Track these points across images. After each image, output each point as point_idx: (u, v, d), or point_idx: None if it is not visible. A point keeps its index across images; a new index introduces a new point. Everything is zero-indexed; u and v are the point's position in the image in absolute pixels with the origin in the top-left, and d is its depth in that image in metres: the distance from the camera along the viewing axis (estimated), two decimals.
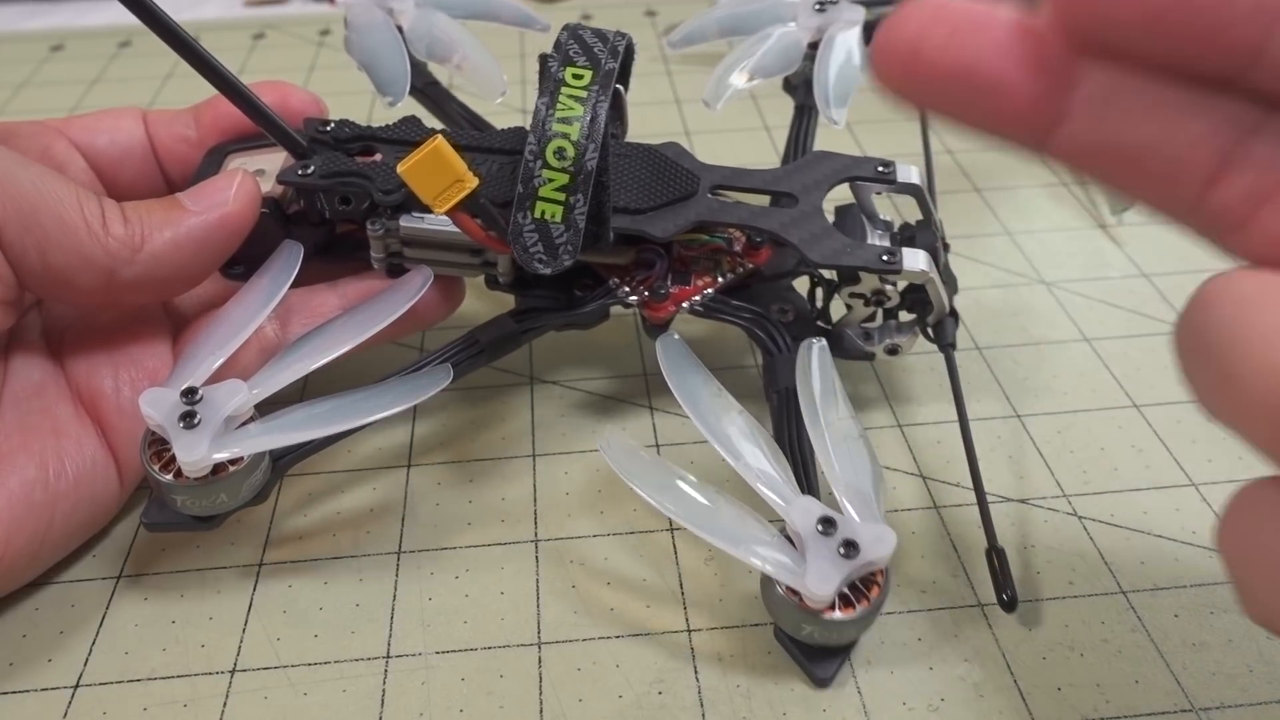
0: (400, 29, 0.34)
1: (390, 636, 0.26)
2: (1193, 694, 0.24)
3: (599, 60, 0.26)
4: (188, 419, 0.24)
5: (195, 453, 0.24)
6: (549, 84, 0.26)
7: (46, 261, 0.25)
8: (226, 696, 0.24)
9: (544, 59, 0.26)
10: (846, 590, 0.23)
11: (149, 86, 0.54)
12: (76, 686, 0.25)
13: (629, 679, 0.25)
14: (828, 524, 0.23)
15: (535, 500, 0.30)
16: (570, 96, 0.26)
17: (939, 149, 0.47)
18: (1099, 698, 0.24)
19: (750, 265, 0.31)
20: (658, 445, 0.31)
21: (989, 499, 0.29)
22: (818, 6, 0.35)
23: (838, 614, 0.23)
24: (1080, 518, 0.29)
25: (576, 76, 0.26)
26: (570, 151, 0.25)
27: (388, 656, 0.25)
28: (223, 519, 0.25)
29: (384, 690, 0.25)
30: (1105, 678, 0.25)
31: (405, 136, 0.30)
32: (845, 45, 0.34)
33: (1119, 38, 0.15)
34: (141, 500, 0.30)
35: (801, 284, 0.32)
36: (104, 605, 0.27)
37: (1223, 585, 0.27)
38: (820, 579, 0.22)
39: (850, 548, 0.22)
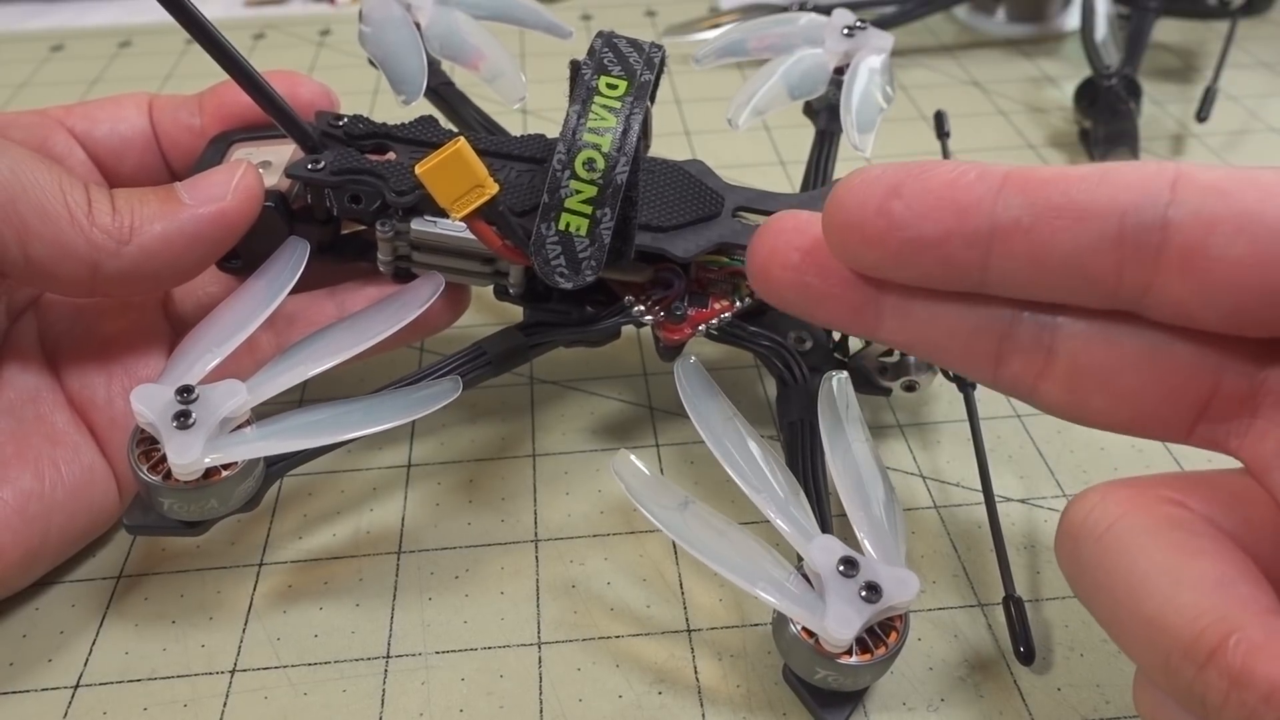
0: (418, 26, 0.33)
1: (390, 636, 0.26)
2: None
3: (634, 71, 0.25)
4: (182, 419, 0.23)
5: (189, 455, 0.22)
6: (581, 91, 0.25)
7: (27, 254, 0.24)
8: (227, 696, 0.24)
9: (576, 65, 0.25)
10: (864, 634, 0.22)
11: (149, 87, 0.54)
12: (77, 686, 0.25)
13: (629, 679, 0.25)
14: (849, 565, 0.22)
15: (535, 500, 0.30)
16: (603, 106, 0.25)
17: (940, 148, 0.47)
18: (1099, 698, 0.24)
19: None
20: (657, 445, 0.31)
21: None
22: (846, 31, 0.34)
23: (854, 659, 0.22)
24: None
25: (611, 86, 0.25)
26: (600, 163, 0.24)
27: (388, 656, 0.25)
28: (209, 525, 0.24)
29: (384, 690, 0.25)
30: (1105, 678, 0.25)
31: (422, 137, 0.29)
32: (872, 72, 0.33)
33: (885, 272, 0.20)
34: None
35: None
36: (104, 605, 0.27)
37: None
38: (841, 622, 0.21)
39: (872, 591, 0.22)
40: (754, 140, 0.47)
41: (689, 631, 0.26)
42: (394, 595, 0.27)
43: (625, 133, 0.24)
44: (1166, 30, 0.56)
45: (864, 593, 0.21)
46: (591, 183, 0.24)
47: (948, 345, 0.20)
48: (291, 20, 0.62)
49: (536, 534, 0.29)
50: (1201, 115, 0.46)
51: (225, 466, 0.23)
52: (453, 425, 0.32)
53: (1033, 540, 0.28)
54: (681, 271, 0.29)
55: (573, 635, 0.26)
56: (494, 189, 0.23)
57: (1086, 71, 0.47)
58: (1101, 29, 0.47)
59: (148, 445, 0.24)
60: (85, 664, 0.25)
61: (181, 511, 0.24)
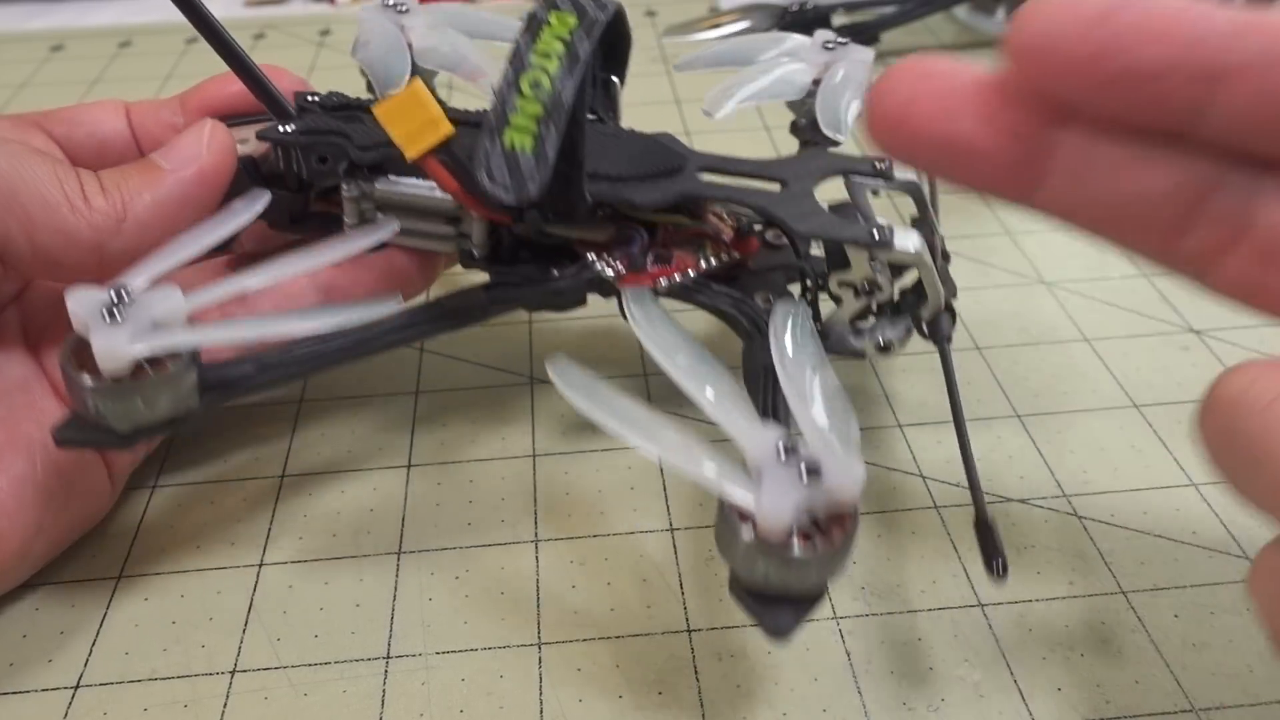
0: (410, 47, 0.35)
1: (390, 637, 0.26)
2: (1193, 694, 0.24)
3: (585, 10, 0.26)
4: (111, 312, 0.23)
5: (113, 341, 0.22)
6: (533, 25, 0.25)
7: (34, 243, 0.25)
8: (227, 697, 0.24)
9: (530, 12, 0.26)
10: (812, 531, 0.21)
11: (149, 87, 0.54)
12: (77, 687, 0.25)
13: (629, 679, 0.25)
14: (790, 450, 0.21)
15: (535, 500, 0.30)
16: (553, 35, 0.25)
17: None
18: (1099, 698, 0.24)
19: (736, 255, 0.30)
20: None
21: (988, 499, 0.29)
22: (826, 45, 0.35)
23: (796, 549, 0.20)
24: (1080, 518, 0.29)
25: (561, 20, 0.26)
26: (546, 84, 0.25)
27: (388, 657, 0.25)
28: (140, 438, 0.24)
29: (384, 690, 0.25)
30: (1105, 678, 0.25)
31: None
32: (849, 74, 0.34)
33: (1078, 101, 0.17)
34: (136, 504, 0.30)
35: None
36: (104, 605, 0.27)
37: (1223, 585, 0.27)
38: (775, 499, 0.20)
39: (813, 473, 0.20)
40: (753, 140, 0.47)
41: (689, 631, 0.26)
42: (394, 595, 0.27)
43: (572, 56, 0.25)
44: None
45: (804, 475, 0.20)
46: (537, 100, 0.25)
47: (1127, 208, 0.18)
48: (292, 20, 0.62)
49: (537, 534, 0.29)
50: None
51: (156, 368, 0.23)
52: (453, 425, 0.32)
53: (1032, 540, 0.28)
54: (644, 230, 0.29)
55: (573, 635, 0.26)
56: (449, 129, 0.24)
57: None
58: None
59: (84, 355, 0.23)
60: (85, 664, 0.25)
61: (109, 413, 0.23)
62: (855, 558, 0.28)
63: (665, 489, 0.30)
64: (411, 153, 0.24)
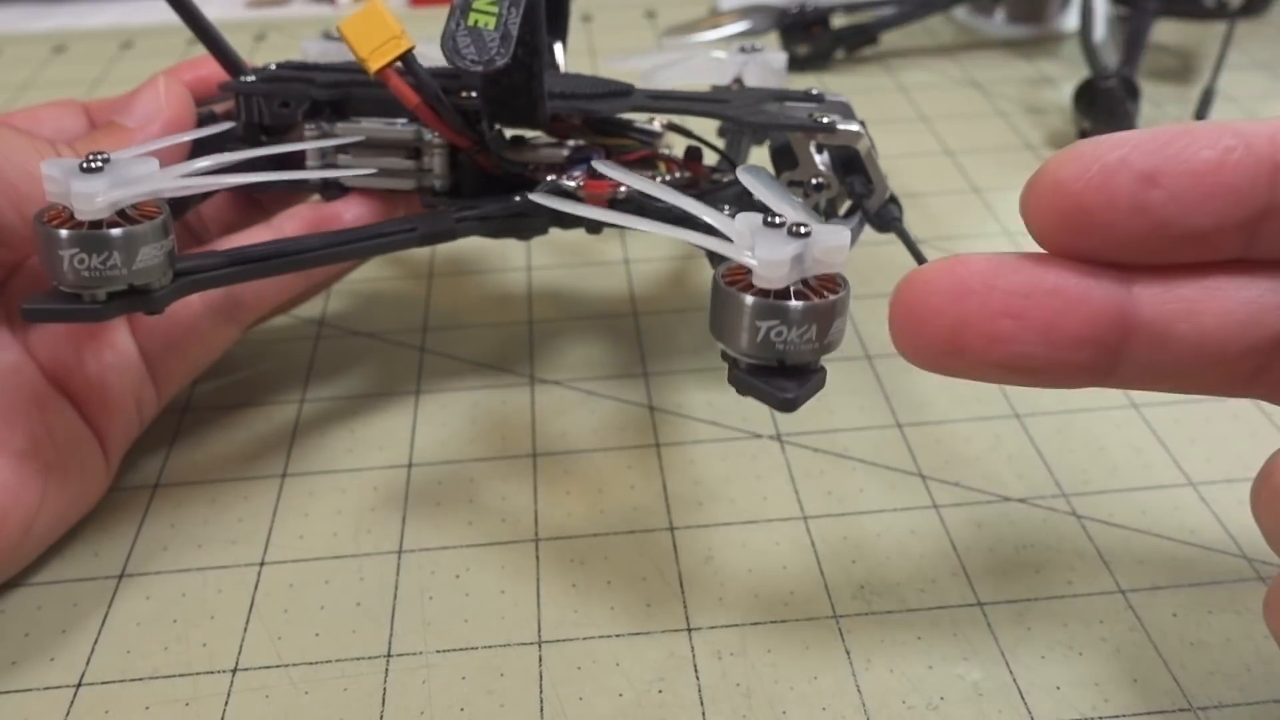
0: None
1: (391, 635, 0.26)
2: (1191, 693, 0.24)
3: None
4: (90, 164, 0.23)
5: (93, 186, 0.22)
6: None
7: (24, 216, 0.25)
8: (228, 695, 0.25)
9: None
10: (805, 291, 0.21)
11: None
12: (79, 685, 0.25)
13: (629, 677, 0.25)
14: (775, 216, 0.21)
15: (535, 500, 0.30)
16: None
17: (938, 149, 0.47)
18: (1097, 696, 0.24)
19: (689, 174, 0.31)
20: (657, 445, 0.31)
21: (988, 499, 0.29)
22: (742, 49, 0.37)
23: (794, 300, 0.21)
24: (1080, 517, 0.29)
25: None
26: None
27: (389, 655, 0.25)
28: (112, 311, 0.24)
29: (385, 689, 0.25)
30: (1104, 677, 0.25)
31: (344, 68, 0.31)
32: (768, 66, 0.37)
33: (1129, 260, 0.16)
34: (138, 503, 0.30)
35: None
36: (106, 604, 0.27)
37: (1221, 585, 0.27)
38: (771, 249, 0.20)
39: (800, 227, 0.21)
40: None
41: (689, 630, 0.26)
42: (395, 594, 0.27)
43: None
44: (1165, 31, 0.56)
45: (792, 229, 0.21)
46: None
47: (1211, 352, 0.17)
48: (293, 21, 0.63)
49: (537, 534, 0.29)
50: (1200, 116, 0.46)
51: (130, 223, 0.23)
52: (453, 425, 0.32)
53: (1032, 540, 0.28)
54: (598, 149, 0.31)
55: (573, 634, 0.26)
56: (410, 43, 0.26)
57: (1085, 72, 0.47)
58: (1100, 30, 0.48)
59: (56, 220, 0.23)
60: (87, 663, 0.25)
61: (84, 269, 0.23)
62: (854, 557, 0.28)
63: (665, 488, 0.30)
64: (374, 65, 0.25)
